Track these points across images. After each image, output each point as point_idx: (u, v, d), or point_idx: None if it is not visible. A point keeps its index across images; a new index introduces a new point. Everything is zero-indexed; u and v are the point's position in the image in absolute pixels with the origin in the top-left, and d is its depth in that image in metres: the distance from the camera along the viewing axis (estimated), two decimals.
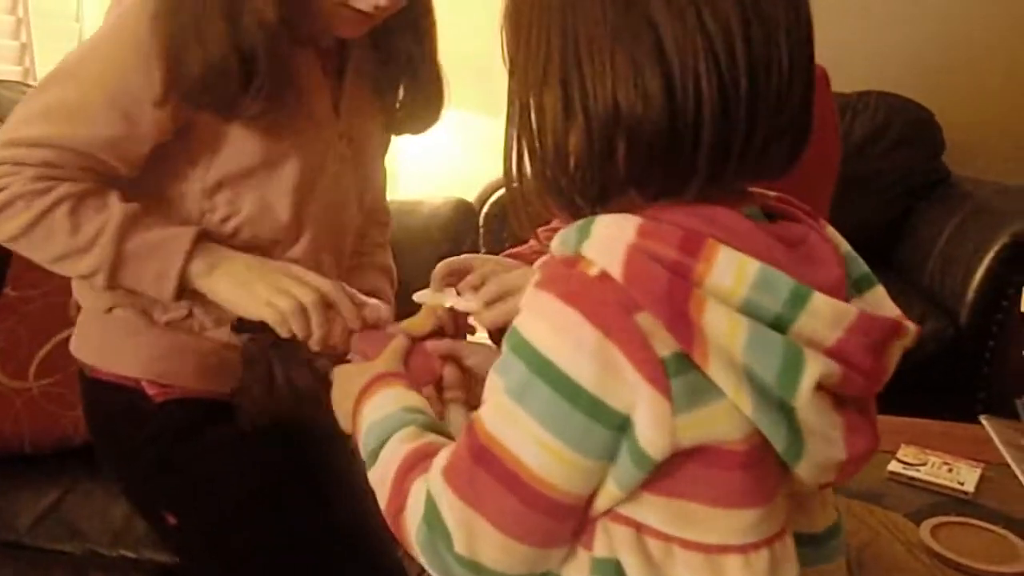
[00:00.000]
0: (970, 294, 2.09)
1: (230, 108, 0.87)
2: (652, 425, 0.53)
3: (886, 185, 2.53)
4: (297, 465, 0.99)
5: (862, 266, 0.63)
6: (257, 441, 0.96)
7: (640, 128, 0.55)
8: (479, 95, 2.67)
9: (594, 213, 0.59)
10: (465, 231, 1.83)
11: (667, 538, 0.57)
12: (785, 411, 0.54)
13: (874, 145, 2.54)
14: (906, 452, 1.36)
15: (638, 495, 0.57)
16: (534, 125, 0.60)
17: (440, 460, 0.61)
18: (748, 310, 0.53)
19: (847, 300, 0.58)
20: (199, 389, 0.97)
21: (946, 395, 2.01)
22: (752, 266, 0.53)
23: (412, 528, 0.61)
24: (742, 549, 0.57)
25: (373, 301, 0.96)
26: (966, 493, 1.25)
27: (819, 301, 0.53)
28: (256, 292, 0.87)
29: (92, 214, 0.86)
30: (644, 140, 0.55)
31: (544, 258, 0.61)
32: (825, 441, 0.56)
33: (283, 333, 0.87)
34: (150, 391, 0.96)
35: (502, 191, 2.40)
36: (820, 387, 0.53)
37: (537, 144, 0.60)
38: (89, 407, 1.03)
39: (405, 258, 1.73)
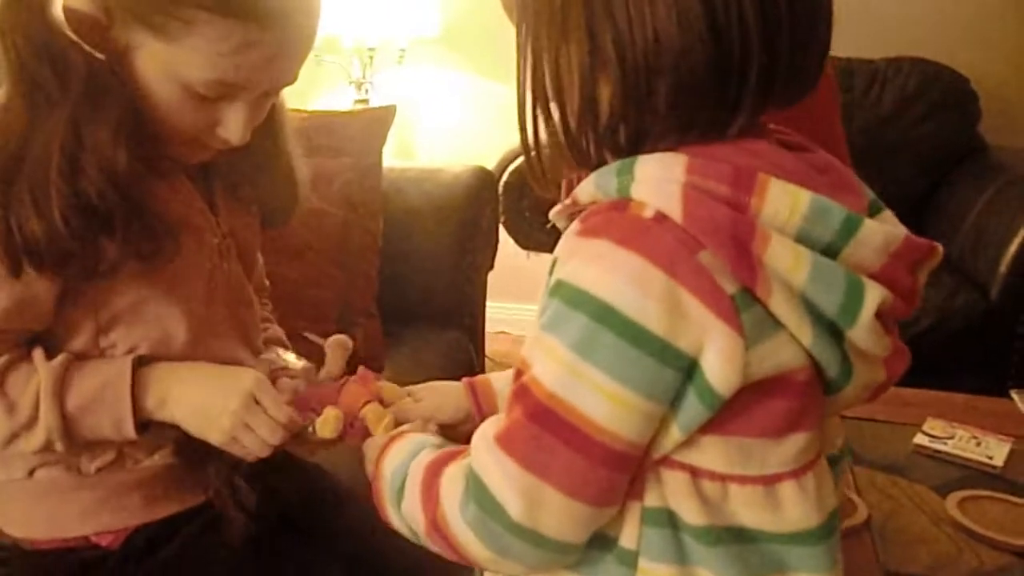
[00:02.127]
0: (1002, 268, 2.03)
1: (91, 274, 0.80)
2: (724, 361, 0.52)
3: (917, 155, 2.46)
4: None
5: (870, 191, 0.63)
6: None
7: (684, 63, 0.53)
8: (496, 62, 2.68)
9: None
10: (485, 199, 1.81)
11: (723, 478, 0.57)
12: (838, 338, 0.55)
13: (905, 113, 2.46)
14: (933, 425, 1.34)
15: (696, 438, 0.56)
16: (551, 83, 0.58)
17: (486, 434, 0.59)
18: (802, 241, 0.53)
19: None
20: (153, 518, 0.91)
21: (976, 369, 1.98)
22: (805, 197, 0.53)
23: (455, 515, 0.60)
24: (794, 474, 0.58)
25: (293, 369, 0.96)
26: (994, 467, 1.24)
27: (870, 228, 0.54)
28: (220, 426, 0.83)
29: (22, 385, 0.81)
30: (689, 76, 0.54)
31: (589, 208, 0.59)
32: (870, 364, 0.58)
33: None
34: (102, 542, 0.89)
35: (521, 159, 2.37)
36: (877, 313, 0.54)
37: (557, 103, 0.58)
38: None
39: (425, 225, 1.74)
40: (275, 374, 0.97)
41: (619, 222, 0.55)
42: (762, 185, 0.53)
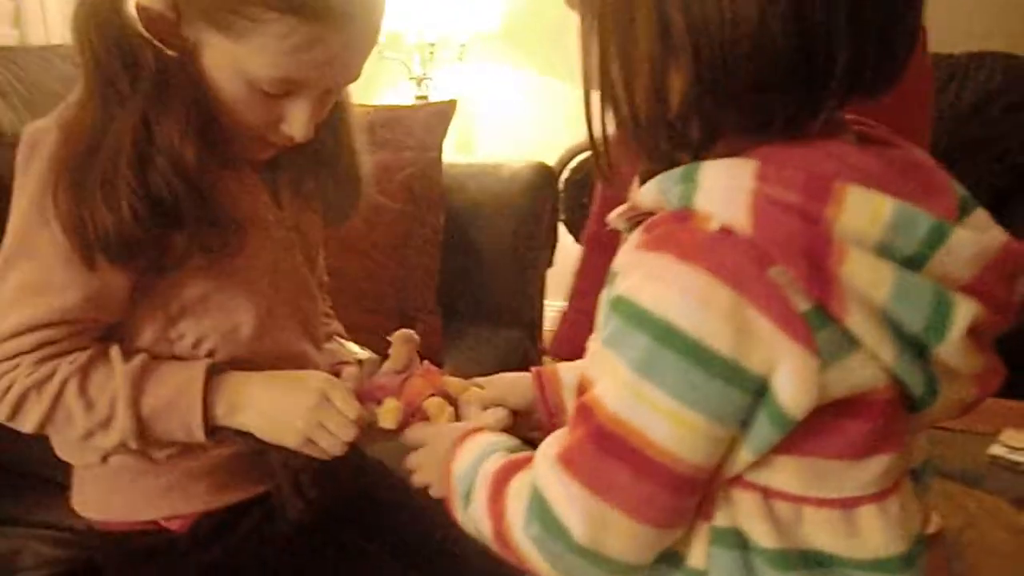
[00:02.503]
0: None
1: (159, 265, 0.82)
2: (797, 383, 0.49)
3: (999, 153, 2.37)
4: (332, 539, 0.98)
5: (960, 187, 0.58)
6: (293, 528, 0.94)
7: (764, 51, 0.49)
8: (557, 58, 2.66)
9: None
10: (545, 196, 1.79)
11: (797, 499, 0.54)
12: (923, 355, 0.51)
13: (986, 110, 2.36)
14: (1010, 435, 1.29)
15: (768, 458, 0.53)
16: (619, 72, 0.55)
17: (548, 452, 0.57)
18: (883, 253, 0.49)
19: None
20: (220, 505, 0.93)
21: None
22: (887, 205, 0.49)
23: (518, 529, 0.58)
24: (876, 497, 0.54)
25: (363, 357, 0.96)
26: None
27: (960, 237, 0.49)
28: (294, 428, 0.85)
29: (102, 384, 0.83)
30: (770, 65, 0.50)
31: (653, 218, 0.56)
32: (960, 382, 0.53)
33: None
34: (171, 526, 0.92)
35: (582, 156, 2.36)
36: (970, 329, 0.50)
37: (626, 93, 0.55)
38: (108, 559, 0.97)
39: (485, 221, 1.74)
40: (337, 367, 0.98)
41: (680, 235, 0.52)
42: (839, 193, 0.49)
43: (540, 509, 0.56)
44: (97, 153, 0.78)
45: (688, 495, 0.54)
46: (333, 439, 0.84)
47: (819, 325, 0.49)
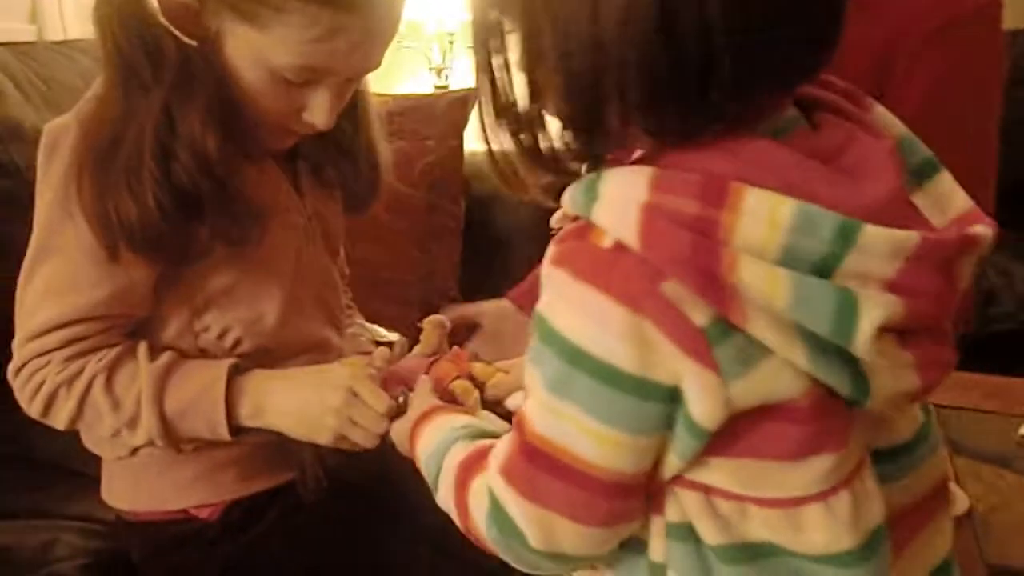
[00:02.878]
0: None
1: (183, 257, 0.83)
2: (702, 398, 0.48)
3: None
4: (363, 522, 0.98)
5: (921, 150, 0.55)
6: (322, 504, 0.95)
7: (631, 56, 0.46)
8: None
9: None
10: None
11: (739, 498, 0.53)
12: (845, 355, 0.48)
13: None
14: None
15: (703, 459, 0.52)
16: (502, 89, 0.53)
17: (495, 459, 0.57)
18: (788, 257, 0.46)
19: (908, 199, 0.52)
20: (248, 493, 0.94)
21: None
22: (787, 207, 0.46)
23: (482, 529, 0.59)
24: (821, 496, 0.52)
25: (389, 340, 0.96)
26: None
27: (870, 235, 0.46)
28: (325, 425, 0.85)
29: (127, 383, 0.84)
30: (640, 72, 0.47)
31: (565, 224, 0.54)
32: (894, 378, 0.50)
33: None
34: (200, 514, 0.93)
35: None
36: (884, 328, 0.46)
37: (509, 110, 0.53)
38: (138, 549, 0.98)
39: (505, 208, 1.72)
40: (365, 347, 0.98)
41: (579, 252, 0.50)
42: (735, 196, 0.46)
43: (497, 513, 0.57)
44: (121, 144, 0.78)
45: (626, 498, 0.54)
46: (365, 433, 0.84)
47: (721, 338, 0.47)
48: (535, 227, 1.71)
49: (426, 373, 0.86)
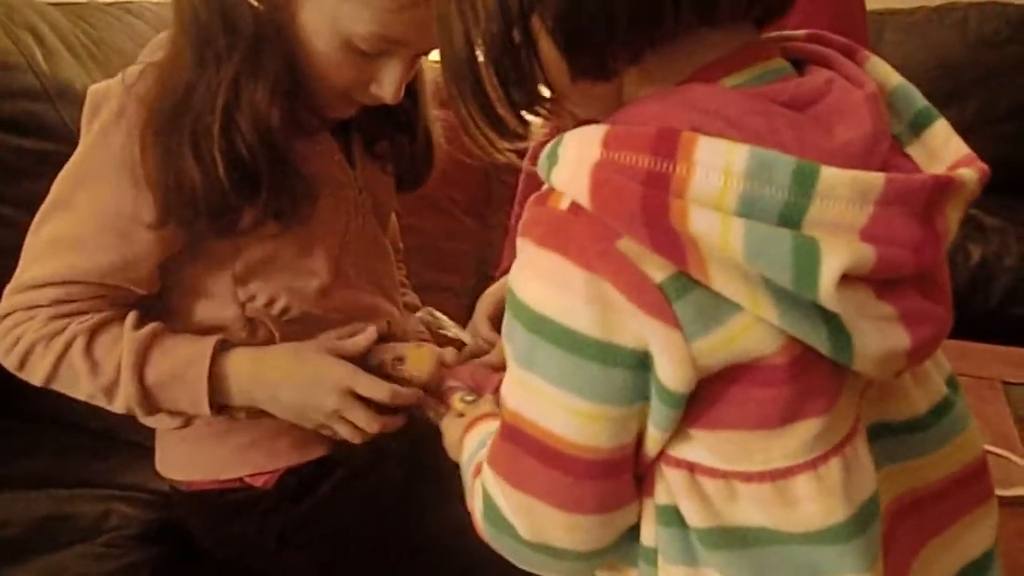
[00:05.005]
0: None
1: (231, 228, 0.81)
2: (667, 358, 0.46)
3: None
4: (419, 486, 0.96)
5: (917, 99, 0.52)
6: (377, 474, 0.94)
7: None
8: None
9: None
10: None
11: (725, 475, 0.50)
12: (821, 308, 0.44)
13: None
14: None
15: (684, 432, 0.50)
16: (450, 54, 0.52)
17: (486, 451, 0.56)
18: (748, 207, 0.43)
19: (899, 148, 0.50)
20: (303, 460, 0.93)
21: None
22: (739, 152, 0.43)
23: (483, 529, 0.57)
24: (811, 464, 0.48)
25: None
26: None
27: (830, 178, 0.42)
28: (313, 420, 0.85)
29: (109, 347, 0.81)
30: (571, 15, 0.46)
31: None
32: (879, 333, 0.46)
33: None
34: (255, 483, 0.92)
35: None
36: (853, 278, 0.43)
37: (456, 72, 0.52)
38: (195, 519, 0.98)
39: None
40: (432, 335, 0.97)
41: (539, 217, 0.48)
42: (687, 146, 0.43)
43: (489, 510, 0.55)
44: (188, 110, 0.77)
45: (612, 478, 0.51)
46: (353, 431, 0.84)
47: (681, 294, 0.45)
48: None
49: (486, 386, 0.82)
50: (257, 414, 0.88)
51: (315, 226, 0.86)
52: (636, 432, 0.50)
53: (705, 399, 0.48)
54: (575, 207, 0.46)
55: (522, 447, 0.51)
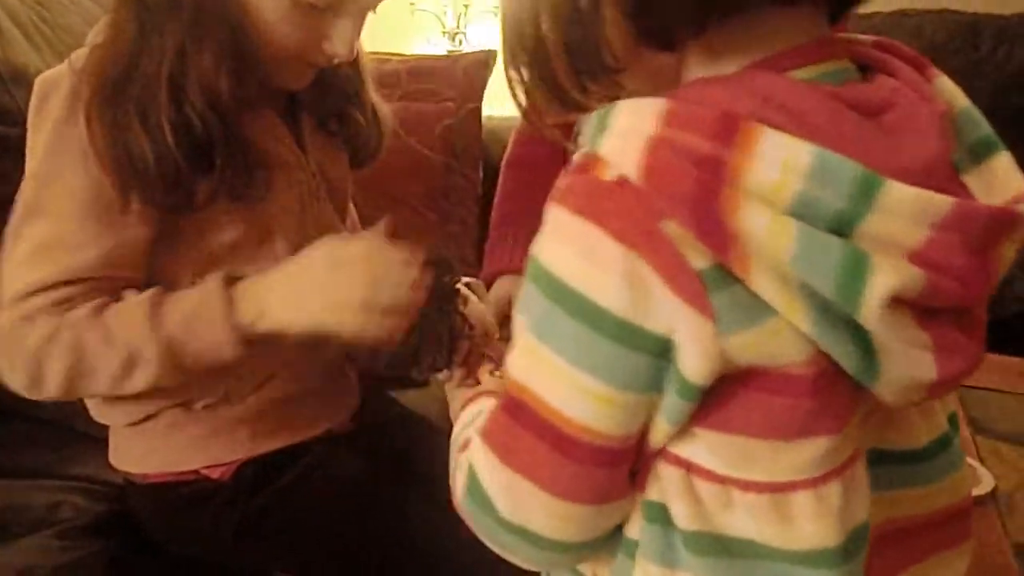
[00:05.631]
0: None
1: (190, 202, 0.78)
2: (694, 348, 0.44)
3: None
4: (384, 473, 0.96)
5: (982, 126, 0.50)
6: (335, 466, 0.93)
7: None
8: None
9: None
10: None
11: (722, 480, 0.49)
12: (856, 326, 0.44)
13: None
14: None
15: (690, 430, 0.48)
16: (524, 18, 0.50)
17: (479, 425, 0.55)
18: (802, 208, 0.42)
19: (955, 174, 0.48)
20: (261, 451, 0.91)
21: None
22: (805, 152, 0.42)
23: (463, 506, 0.55)
24: (812, 483, 0.48)
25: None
26: None
27: (895, 192, 0.41)
28: (352, 308, 0.75)
29: (116, 319, 0.78)
30: None
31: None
32: (908, 360, 0.45)
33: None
34: (212, 474, 0.90)
35: None
36: (899, 300, 0.42)
37: (517, 38, 0.51)
38: (150, 511, 0.95)
39: None
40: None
41: (579, 186, 0.47)
42: (747, 136, 0.42)
43: (472, 484, 0.53)
44: (133, 81, 0.76)
45: (609, 467, 0.49)
46: (398, 291, 0.74)
47: (719, 285, 0.43)
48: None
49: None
50: (216, 404, 0.87)
51: (271, 211, 0.86)
52: (643, 423, 0.49)
53: (718, 398, 0.47)
54: (622, 180, 0.45)
55: (522, 422, 0.49)
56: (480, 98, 1.64)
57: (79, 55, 0.79)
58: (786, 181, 0.42)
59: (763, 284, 0.42)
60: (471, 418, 0.64)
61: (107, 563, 0.94)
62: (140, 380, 0.79)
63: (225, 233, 0.84)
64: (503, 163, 1.25)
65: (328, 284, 0.77)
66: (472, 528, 0.55)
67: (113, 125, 0.75)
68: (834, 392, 0.46)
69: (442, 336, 0.78)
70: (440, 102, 1.59)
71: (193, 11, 0.76)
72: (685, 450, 0.49)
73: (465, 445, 0.58)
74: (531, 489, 0.50)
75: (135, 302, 0.79)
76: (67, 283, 0.78)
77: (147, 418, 0.87)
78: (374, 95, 0.99)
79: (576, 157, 0.49)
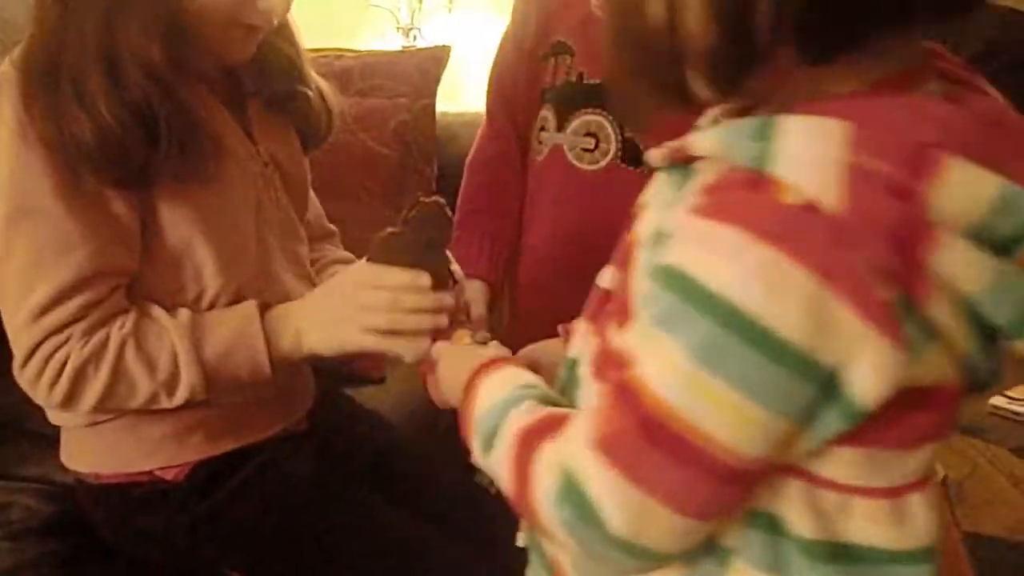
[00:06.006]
0: None
1: (145, 176, 0.77)
2: (876, 377, 0.44)
3: None
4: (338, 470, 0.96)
5: None
6: (290, 464, 0.94)
7: None
8: None
9: (728, 101, 0.49)
10: None
11: (846, 489, 0.50)
12: (994, 343, 0.46)
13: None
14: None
15: (823, 447, 0.49)
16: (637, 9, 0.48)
17: (581, 431, 0.51)
18: (976, 234, 0.43)
19: None
20: (215, 453, 0.90)
21: None
22: (990, 183, 0.43)
23: (545, 507, 0.53)
24: (919, 485, 0.51)
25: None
26: None
27: None
28: (371, 325, 0.81)
29: (156, 343, 0.80)
30: None
31: (710, 170, 0.50)
32: (1013, 376, 0.51)
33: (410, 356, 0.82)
34: (166, 476, 0.89)
35: None
36: None
37: (638, 29, 0.49)
38: (102, 513, 0.93)
39: None
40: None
41: (757, 207, 0.45)
42: (942, 169, 0.42)
43: (573, 494, 0.51)
44: (63, 60, 0.74)
45: (737, 488, 0.49)
46: (419, 319, 0.81)
47: (906, 314, 0.43)
48: None
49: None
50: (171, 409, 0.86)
51: (225, 205, 0.85)
52: (780, 447, 0.48)
53: (868, 418, 0.47)
54: (809, 205, 0.43)
55: (660, 442, 0.48)
56: (434, 94, 1.64)
57: (16, 51, 0.77)
58: (971, 211, 0.43)
59: (941, 311, 0.44)
60: (511, 398, 0.61)
61: (58, 565, 0.93)
62: (175, 400, 0.82)
63: (181, 228, 0.82)
64: (467, 161, 1.26)
65: (356, 308, 0.82)
66: (556, 534, 0.53)
67: (51, 109, 0.73)
68: (959, 404, 0.49)
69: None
70: (393, 98, 1.58)
71: None
72: (811, 464, 0.50)
73: (537, 436, 0.55)
74: (659, 510, 0.49)
75: (173, 330, 0.80)
76: (89, 282, 0.78)
77: (105, 420, 0.86)
78: (316, 76, 0.98)
79: (725, 173, 0.48)
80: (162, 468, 0.89)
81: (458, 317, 0.84)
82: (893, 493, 0.50)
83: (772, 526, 0.51)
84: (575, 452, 0.51)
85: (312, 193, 1.06)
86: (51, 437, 0.95)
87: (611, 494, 0.49)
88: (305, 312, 0.85)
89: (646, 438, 0.48)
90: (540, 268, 1.18)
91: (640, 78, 0.51)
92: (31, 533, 0.96)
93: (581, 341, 0.64)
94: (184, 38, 0.78)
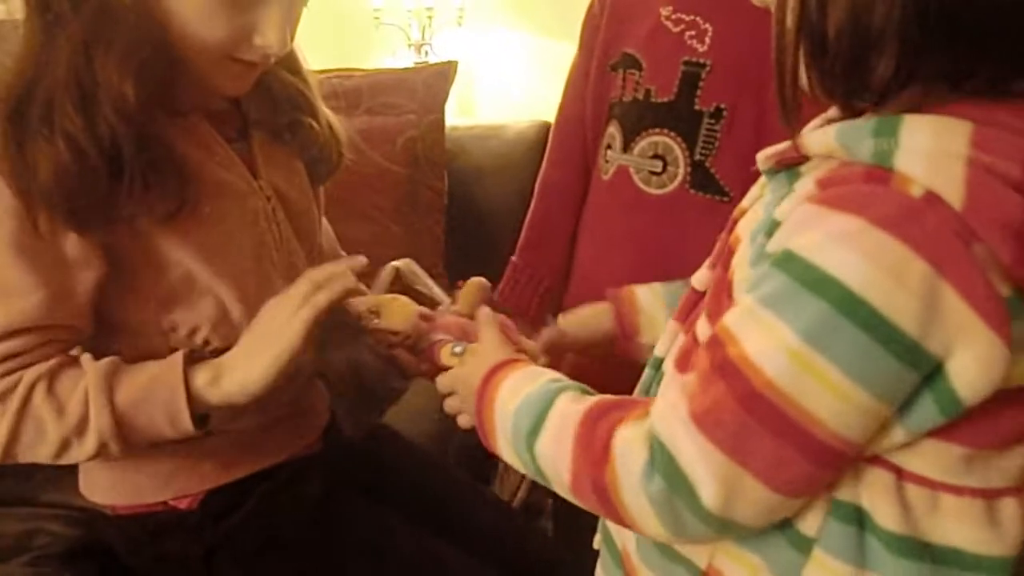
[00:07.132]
0: None
1: (106, 214, 0.73)
2: (981, 370, 0.46)
3: None
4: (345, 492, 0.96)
5: None
6: (303, 486, 0.93)
7: None
8: (556, 20, 2.60)
9: (876, 111, 0.50)
10: None
11: (934, 485, 0.51)
12: None
13: None
14: None
15: (914, 440, 0.50)
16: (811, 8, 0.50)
17: (672, 407, 0.53)
18: None
19: None
20: (228, 480, 0.89)
21: None
22: None
23: (633, 485, 0.54)
24: (1015, 491, 0.51)
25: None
26: None
27: None
28: (293, 325, 0.76)
29: (70, 386, 0.75)
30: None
31: (821, 167, 0.51)
32: None
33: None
34: (180, 504, 0.88)
35: None
36: None
37: (819, 16, 0.50)
38: (123, 539, 0.92)
39: (489, 183, 1.71)
40: (407, 290, 0.96)
41: (880, 199, 0.46)
42: None
43: (666, 466, 0.52)
44: (36, 93, 0.72)
45: (830, 468, 0.51)
46: (336, 288, 0.77)
47: (1018, 312, 0.45)
48: (519, 201, 1.70)
49: (461, 333, 0.83)
50: (180, 441, 0.83)
51: (224, 243, 0.83)
52: (875, 433, 0.50)
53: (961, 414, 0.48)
54: (931, 198, 0.45)
55: (761, 418, 0.49)
56: (442, 109, 1.65)
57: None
58: None
59: None
60: (545, 391, 0.62)
61: None
62: (86, 447, 0.76)
63: (179, 268, 0.80)
64: (537, 185, 1.27)
65: (277, 314, 0.78)
66: (640, 509, 0.54)
67: (16, 142, 0.71)
68: None
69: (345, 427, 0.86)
70: (402, 115, 1.60)
71: (96, 10, 0.71)
72: (900, 457, 0.51)
73: (602, 417, 0.57)
74: (752, 482, 0.50)
75: (90, 372, 0.76)
76: (15, 334, 0.74)
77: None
78: (323, 106, 0.95)
79: (840, 168, 0.50)
80: (176, 498, 0.89)
81: (434, 335, 0.84)
82: (986, 495, 0.51)
83: (857, 518, 0.52)
84: (668, 426, 0.52)
85: (325, 221, 1.04)
86: (72, 465, 0.93)
87: (706, 465, 0.50)
88: (233, 351, 0.79)
89: (748, 411, 0.49)
90: (589, 285, 1.16)
91: (813, 70, 0.52)
92: (55, 558, 0.97)
93: (669, 340, 0.66)
94: (172, 72, 0.76)
